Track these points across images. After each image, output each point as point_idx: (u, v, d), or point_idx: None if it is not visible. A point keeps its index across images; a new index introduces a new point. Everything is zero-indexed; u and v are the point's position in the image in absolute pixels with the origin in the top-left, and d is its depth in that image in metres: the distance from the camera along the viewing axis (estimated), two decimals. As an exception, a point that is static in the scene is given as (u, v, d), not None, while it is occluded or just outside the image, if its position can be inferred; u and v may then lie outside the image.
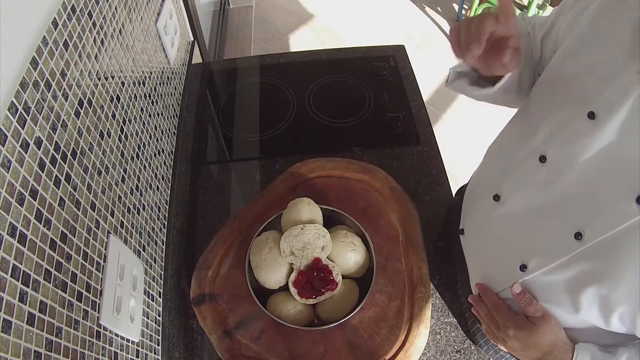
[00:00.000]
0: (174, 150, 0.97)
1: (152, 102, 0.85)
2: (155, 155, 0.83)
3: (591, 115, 0.49)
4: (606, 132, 0.47)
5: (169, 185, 0.91)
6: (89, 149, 0.56)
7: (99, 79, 0.61)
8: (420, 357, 0.76)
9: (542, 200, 0.56)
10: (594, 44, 0.52)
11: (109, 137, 0.63)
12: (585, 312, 0.52)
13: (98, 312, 0.55)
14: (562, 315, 0.57)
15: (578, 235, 0.50)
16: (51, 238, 0.46)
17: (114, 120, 0.65)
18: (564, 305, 0.55)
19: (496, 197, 0.65)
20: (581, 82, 0.52)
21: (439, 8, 3.05)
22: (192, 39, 1.29)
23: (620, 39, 0.49)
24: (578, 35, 0.55)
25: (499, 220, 0.65)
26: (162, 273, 0.81)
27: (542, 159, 0.56)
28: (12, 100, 0.42)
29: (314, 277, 0.72)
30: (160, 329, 0.76)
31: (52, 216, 0.47)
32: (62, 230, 0.48)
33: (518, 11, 2.44)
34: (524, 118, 0.65)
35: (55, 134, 0.49)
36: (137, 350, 0.65)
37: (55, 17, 0.50)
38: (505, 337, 0.63)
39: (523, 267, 0.59)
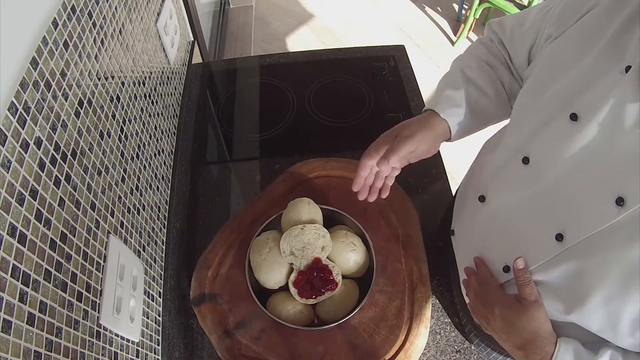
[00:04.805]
0: (174, 150, 0.97)
1: (152, 102, 0.85)
2: (155, 155, 0.83)
3: (573, 117, 0.49)
4: (588, 133, 0.47)
5: (169, 185, 0.91)
6: (89, 149, 0.56)
7: (99, 79, 0.61)
8: (420, 357, 0.76)
9: (525, 201, 0.56)
10: (576, 47, 0.52)
11: (109, 137, 0.63)
12: (569, 313, 0.52)
13: (98, 312, 0.55)
14: (549, 314, 0.57)
15: (559, 237, 0.50)
16: (51, 238, 0.46)
17: (114, 120, 0.65)
18: (548, 306, 0.55)
19: (481, 198, 0.65)
20: (563, 84, 0.52)
21: (439, 8, 3.05)
22: (192, 39, 1.29)
23: (603, 41, 0.49)
24: (561, 38, 0.55)
25: (484, 222, 0.65)
26: (162, 273, 0.81)
27: (525, 160, 0.56)
28: (12, 100, 0.42)
29: (314, 277, 0.72)
30: (160, 329, 0.76)
31: (52, 216, 0.47)
32: (62, 230, 0.48)
33: (517, 10, 2.43)
34: (510, 119, 0.65)
35: (55, 134, 0.49)
36: (137, 350, 0.65)
37: (55, 17, 0.50)
38: (490, 315, 0.60)
39: (506, 269, 0.59)
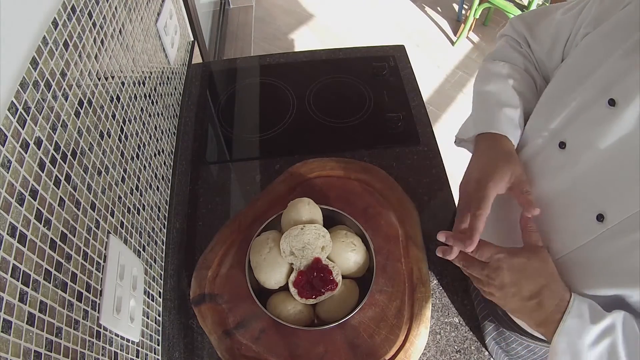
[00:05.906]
0: (174, 150, 0.97)
1: (152, 102, 0.85)
2: (155, 155, 0.83)
3: (611, 102, 0.50)
4: (626, 118, 0.49)
5: (169, 185, 0.91)
6: (89, 149, 0.56)
7: (99, 79, 0.61)
8: (420, 357, 0.76)
9: (562, 185, 0.57)
10: (614, 34, 0.54)
11: (109, 137, 0.63)
12: (608, 293, 0.52)
13: (98, 312, 0.55)
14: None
15: (600, 217, 0.51)
16: (51, 238, 0.46)
17: (114, 120, 0.65)
18: (586, 287, 0.54)
19: None
20: (600, 72, 0.54)
21: (439, 8, 3.05)
22: (192, 39, 1.29)
23: (638, 33, 0.50)
24: (596, 32, 0.57)
25: (518, 207, 0.65)
26: (162, 273, 0.81)
27: (562, 145, 0.57)
28: (12, 100, 0.42)
29: (314, 277, 0.72)
30: (160, 329, 0.76)
31: (52, 216, 0.47)
32: (62, 230, 0.48)
33: (518, 11, 2.44)
34: (544, 106, 0.65)
35: (55, 134, 0.49)
36: (137, 350, 0.65)
37: (55, 17, 0.50)
38: (494, 273, 0.55)
39: None
